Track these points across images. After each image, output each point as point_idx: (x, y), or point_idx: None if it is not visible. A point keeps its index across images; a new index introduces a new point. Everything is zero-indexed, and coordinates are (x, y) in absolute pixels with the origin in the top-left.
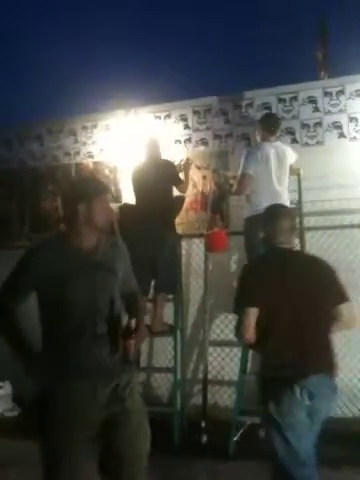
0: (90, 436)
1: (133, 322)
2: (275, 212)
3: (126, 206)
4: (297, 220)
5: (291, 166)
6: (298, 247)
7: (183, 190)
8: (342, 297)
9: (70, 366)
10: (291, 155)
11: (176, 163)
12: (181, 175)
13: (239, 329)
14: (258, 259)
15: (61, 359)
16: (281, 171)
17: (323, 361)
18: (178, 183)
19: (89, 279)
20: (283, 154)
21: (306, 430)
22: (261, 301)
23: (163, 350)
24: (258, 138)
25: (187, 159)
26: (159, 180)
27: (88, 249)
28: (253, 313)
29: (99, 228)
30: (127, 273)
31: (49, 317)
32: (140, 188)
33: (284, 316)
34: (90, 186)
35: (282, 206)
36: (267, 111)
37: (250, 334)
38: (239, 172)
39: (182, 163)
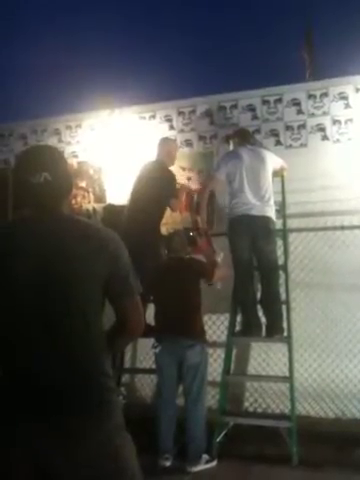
0: None
1: None
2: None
3: (111, 207)
4: (281, 221)
5: (276, 170)
6: (282, 248)
7: (174, 208)
8: None
9: None
10: (274, 160)
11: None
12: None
13: None
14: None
15: None
16: (256, 174)
17: None
18: (172, 198)
19: None
20: (261, 157)
21: None
22: None
23: (147, 351)
24: (231, 146)
25: (182, 185)
26: (156, 187)
27: None
28: None
29: None
30: None
31: None
32: (136, 188)
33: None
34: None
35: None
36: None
37: None
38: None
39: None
